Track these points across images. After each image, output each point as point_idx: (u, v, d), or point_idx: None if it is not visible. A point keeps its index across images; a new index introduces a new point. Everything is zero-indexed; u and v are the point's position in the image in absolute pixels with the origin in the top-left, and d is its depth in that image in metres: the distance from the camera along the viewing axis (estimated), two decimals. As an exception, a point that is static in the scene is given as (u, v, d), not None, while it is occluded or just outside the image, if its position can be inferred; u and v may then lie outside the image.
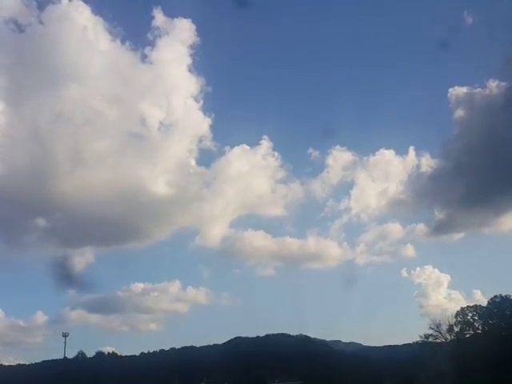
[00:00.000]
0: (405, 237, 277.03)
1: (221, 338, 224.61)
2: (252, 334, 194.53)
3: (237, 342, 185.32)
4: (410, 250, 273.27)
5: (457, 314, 69.68)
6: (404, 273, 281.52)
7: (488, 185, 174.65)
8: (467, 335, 69.07)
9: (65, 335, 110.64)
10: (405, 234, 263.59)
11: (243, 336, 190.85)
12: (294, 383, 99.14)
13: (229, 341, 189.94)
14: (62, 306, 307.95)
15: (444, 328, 69.99)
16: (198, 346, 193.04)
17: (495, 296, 67.46)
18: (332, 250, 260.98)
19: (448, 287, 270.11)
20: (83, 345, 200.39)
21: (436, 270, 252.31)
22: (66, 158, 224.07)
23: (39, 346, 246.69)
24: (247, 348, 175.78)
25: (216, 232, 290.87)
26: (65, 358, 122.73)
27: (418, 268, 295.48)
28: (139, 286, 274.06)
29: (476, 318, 68.53)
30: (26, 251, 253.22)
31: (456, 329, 69.31)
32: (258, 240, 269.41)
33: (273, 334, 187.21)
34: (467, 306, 69.20)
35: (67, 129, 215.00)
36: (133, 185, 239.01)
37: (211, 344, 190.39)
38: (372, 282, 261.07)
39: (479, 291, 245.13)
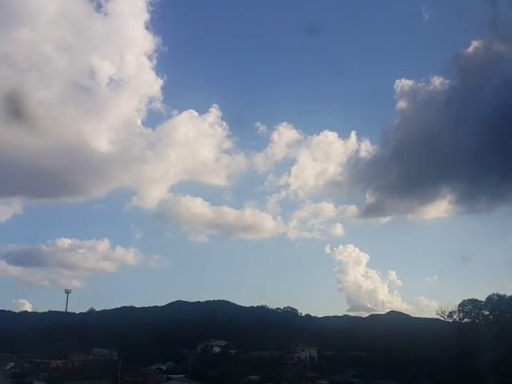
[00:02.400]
0: (336, 216, 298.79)
1: (159, 301, 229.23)
2: (191, 299, 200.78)
3: (177, 306, 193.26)
4: (339, 229, 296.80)
5: (460, 305, 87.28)
6: (327, 249, 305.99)
7: (417, 176, 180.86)
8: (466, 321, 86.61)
9: (67, 292, 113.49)
10: (336, 213, 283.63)
11: (183, 300, 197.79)
12: (312, 348, 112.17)
13: (169, 304, 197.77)
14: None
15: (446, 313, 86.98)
16: (138, 306, 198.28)
17: (492, 294, 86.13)
18: (266, 222, 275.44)
19: (366, 266, 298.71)
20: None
21: (357, 249, 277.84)
22: (4, 102, 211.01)
23: None
24: (188, 312, 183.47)
25: (154, 195, 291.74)
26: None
27: (341, 246, 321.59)
28: (66, 242, 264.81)
29: (473, 309, 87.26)
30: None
31: (455, 316, 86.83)
32: (195, 207, 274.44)
33: (213, 301, 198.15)
34: (468, 299, 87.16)
35: (10, 73, 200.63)
36: (74, 138, 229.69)
37: (151, 306, 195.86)
38: (299, 256, 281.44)
39: (394, 272, 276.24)
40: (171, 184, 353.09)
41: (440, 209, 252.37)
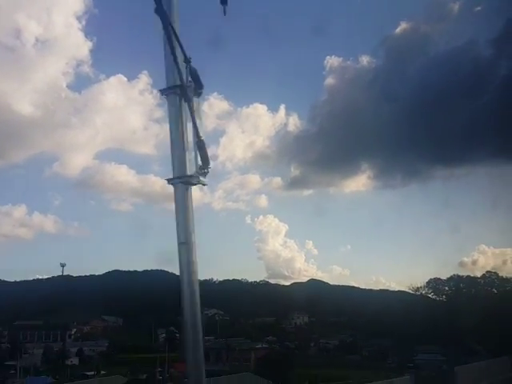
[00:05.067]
0: (261, 188, 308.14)
1: (93, 270, 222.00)
2: (126, 268, 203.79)
3: (116, 275, 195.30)
4: (263, 201, 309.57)
5: (427, 283, 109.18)
6: (248, 220, 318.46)
7: (340, 151, 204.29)
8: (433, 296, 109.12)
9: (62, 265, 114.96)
10: (262, 185, 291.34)
11: (120, 269, 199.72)
12: (305, 315, 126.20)
13: (107, 273, 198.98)
14: None
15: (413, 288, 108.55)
16: (74, 275, 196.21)
17: (453, 274, 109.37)
18: (192, 192, 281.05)
19: (285, 236, 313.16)
20: None
21: (276, 219, 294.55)
22: None
23: None
24: (128, 281, 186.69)
25: (77, 161, 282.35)
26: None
27: (261, 216, 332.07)
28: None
29: (437, 286, 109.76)
30: None
31: (422, 291, 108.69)
32: (120, 175, 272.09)
33: (151, 270, 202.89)
34: (434, 278, 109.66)
35: None
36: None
37: (88, 275, 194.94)
38: (222, 226, 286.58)
39: (311, 242, 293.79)
40: (96, 151, 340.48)
41: (359, 183, 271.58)
